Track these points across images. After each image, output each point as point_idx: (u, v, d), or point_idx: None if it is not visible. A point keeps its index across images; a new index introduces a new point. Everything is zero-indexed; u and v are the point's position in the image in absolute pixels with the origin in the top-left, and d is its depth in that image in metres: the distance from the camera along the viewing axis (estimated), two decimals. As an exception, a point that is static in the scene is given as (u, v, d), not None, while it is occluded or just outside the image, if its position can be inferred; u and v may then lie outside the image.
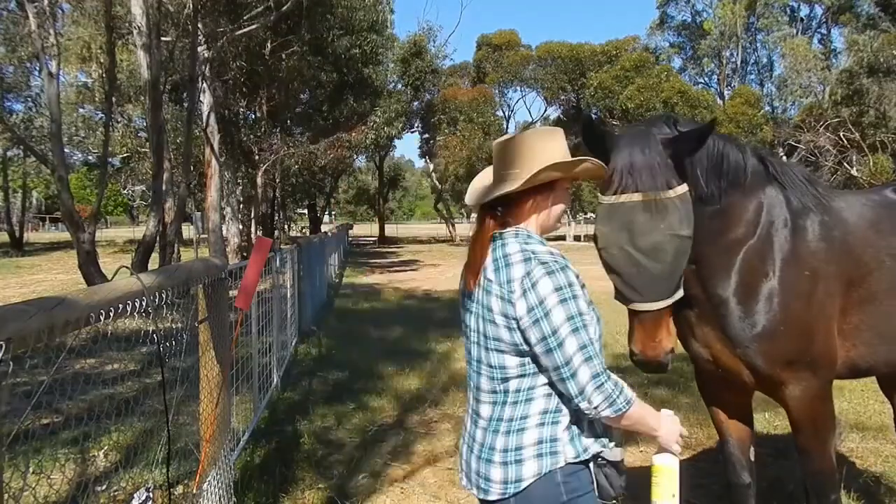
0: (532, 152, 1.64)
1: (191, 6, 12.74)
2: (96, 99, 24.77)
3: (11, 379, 1.23)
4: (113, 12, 13.32)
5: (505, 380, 1.61)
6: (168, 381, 2.05)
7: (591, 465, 1.61)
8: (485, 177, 1.80)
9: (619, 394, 1.52)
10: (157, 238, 11.81)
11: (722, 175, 2.29)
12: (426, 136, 42.02)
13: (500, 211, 1.67)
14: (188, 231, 25.28)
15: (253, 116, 22.75)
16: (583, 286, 1.61)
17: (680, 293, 2.09)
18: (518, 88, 42.22)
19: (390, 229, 52.94)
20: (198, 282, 2.54)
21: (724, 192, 2.30)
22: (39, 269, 21.02)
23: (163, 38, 12.96)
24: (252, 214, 24.54)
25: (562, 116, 43.46)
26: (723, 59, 43.36)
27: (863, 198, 2.73)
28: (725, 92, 41.92)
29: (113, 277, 1.91)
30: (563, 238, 36.19)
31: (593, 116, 2.21)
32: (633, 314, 2.09)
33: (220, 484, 2.76)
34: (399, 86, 35.42)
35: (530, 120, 49.89)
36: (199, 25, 13.51)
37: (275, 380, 5.72)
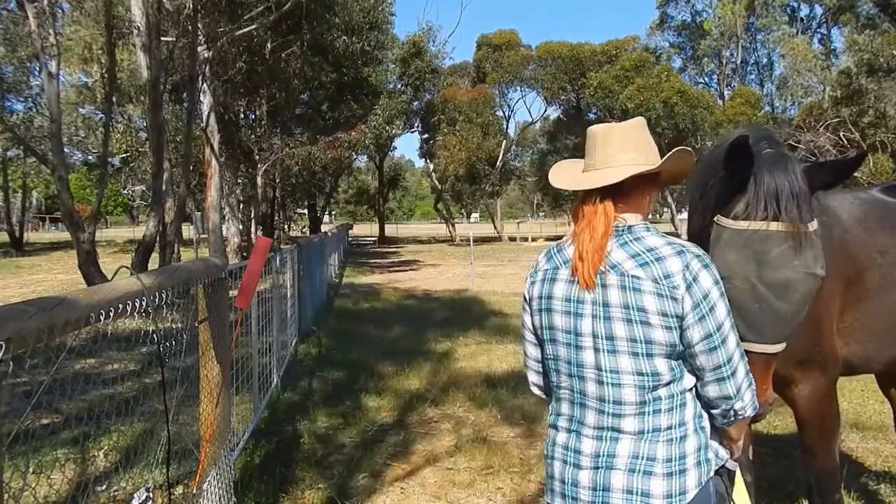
0: (646, 138, 1.60)
1: (191, 6, 12.74)
2: (96, 99, 24.78)
3: (11, 379, 1.23)
4: (113, 12, 13.31)
5: (656, 387, 1.47)
6: (168, 381, 2.05)
7: (721, 476, 1.55)
8: (572, 167, 1.67)
9: (756, 398, 1.51)
10: (157, 238, 11.82)
11: None
12: (426, 136, 42.03)
13: (613, 200, 1.54)
14: (188, 231, 25.28)
15: (253, 116, 22.76)
16: None
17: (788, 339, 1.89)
18: (518, 88, 42.24)
19: (390, 229, 52.96)
20: (198, 282, 2.54)
21: None
22: (39, 269, 21.02)
23: (163, 38, 12.96)
24: (252, 214, 24.54)
25: (562, 116, 43.48)
26: (723, 59, 43.38)
27: (851, 196, 2.76)
28: (725, 92, 41.94)
29: (113, 277, 1.91)
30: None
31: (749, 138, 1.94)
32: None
33: (220, 484, 2.76)
34: (399, 86, 35.44)
35: (530, 120, 49.98)
36: (199, 25, 13.51)
37: (275, 380, 5.72)
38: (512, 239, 40.05)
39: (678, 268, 1.44)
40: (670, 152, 1.56)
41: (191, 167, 15.21)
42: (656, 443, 1.46)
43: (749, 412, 1.49)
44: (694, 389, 1.52)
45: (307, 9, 17.52)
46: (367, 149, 28.82)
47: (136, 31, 12.62)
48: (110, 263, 14.10)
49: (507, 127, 44.24)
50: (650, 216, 1.67)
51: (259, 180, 21.28)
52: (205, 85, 15.07)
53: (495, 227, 44.16)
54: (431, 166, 43.29)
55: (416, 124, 41.47)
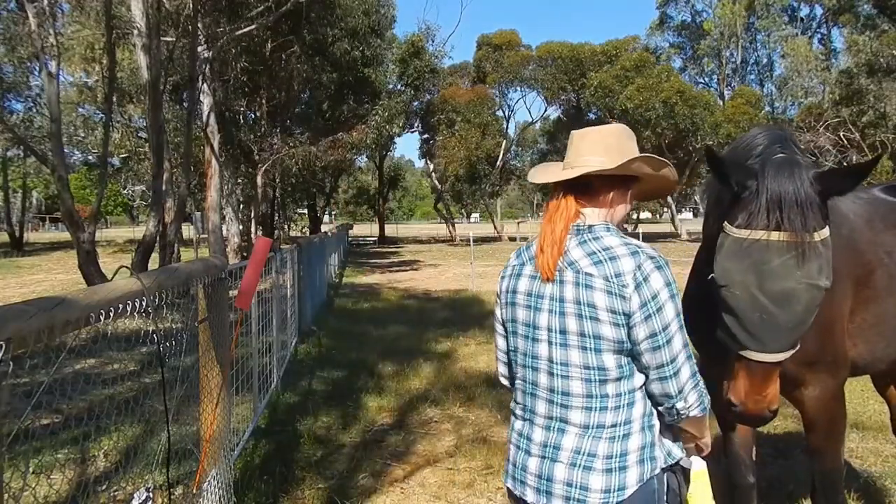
0: (620, 143, 1.63)
1: (191, 6, 12.74)
2: (97, 99, 24.79)
3: (11, 379, 1.23)
4: (113, 12, 13.31)
5: (604, 382, 1.52)
6: (168, 381, 2.05)
7: (667, 472, 1.57)
8: (552, 166, 1.74)
9: (705, 393, 1.54)
10: (157, 238, 11.81)
11: None
12: (426, 136, 42.03)
13: (578, 197, 1.61)
14: (188, 231, 25.28)
15: (253, 116, 22.77)
16: None
17: (797, 346, 1.90)
18: (518, 88, 42.24)
19: (390, 229, 52.96)
20: (198, 282, 2.54)
21: None
22: (39, 269, 21.03)
23: (163, 38, 12.96)
24: (252, 214, 24.56)
25: (562, 116, 43.48)
26: (723, 59, 43.39)
27: (853, 196, 2.75)
28: (725, 92, 41.95)
29: (113, 277, 1.91)
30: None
31: (713, 148, 1.94)
32: (740, 361, 1.90)
33: (220, 484, 2.76)
34: (399, 86, 35.44)
35: (530, 120, 50.01)
36: (199, 25, 13.50)
37: (275, 380, 5.72)
38: (512, 239, 40.04)
39: (630, 267, 1.48)
40: (632, 157, 1.58)
41: (191, 167, 15.21)
42: (599, 439, 1.52)
43: (694, 412, 1.52)
44: (643, 403, 1.55)
45: (307, 9, 17.53)
46: (368, 149, 28.81)
47: (136, 31, 12.63)
48: (110, 263, 14.10)
49: (507, 127, 44.27)
50: (629, 217, 1.73)
51: (259, 180, 21.28)
52: (205, 85, 15.07)
53: (495, 227, 44.16)
54: (431, 166, 43.28)
55: (415, 124, 41.46)
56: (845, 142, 34.22)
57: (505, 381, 1.82)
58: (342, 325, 9.50)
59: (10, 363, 1.20)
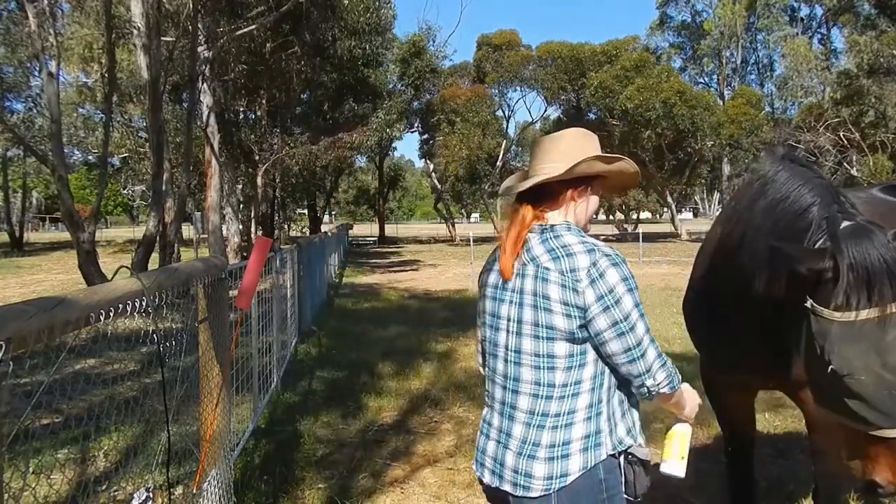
0: (572, 147, 1.71)
1: (191, 6, 12.74)
2: (96, 99, 24.79)
3: (11, 379, 1.23)
4: (113, 12, 13.31)
5: (552, 369, 1.61)
6: (168, 381, 2.05)
7: (623, 460, 1.63)
8: (520, 175, 1.84)
9: (674, 372, 1.65)
10: (157, 238, 11.82)
11: None
12: (426, 136, 42.02)
13: (538, 203, 1.72)
14: (188, 231, 25.28)
15: (253, 116, 22.76)
16: None
17: None
18: (518, 88, 42.23)
19: (390, 229, 52.94)
20: (198, 282, 2.54)
21: None
22: (39, 269, 21.03)
23: (163, 38, 12.96)
24: (252, 214, 24.54)
25: (562, 116, 43.46)
26: (723, 60, 43.39)
27: (851, 196, 2.76)
28: (725, 92, 41.94)
29: (113, 277, 1.91)
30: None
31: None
32: (875, 441, 1.80)
33: (220, 484, 2.76)
34: (399, 86, 35.44)
35: (530, 120, 49.97)
36: (199, 25, 13.50)
37: (275, 380, 5.72)
38: (512, 239, 39.98)
39: (585, 264, 1.58)
40: (579, 161, 1.67)
41: (191, 167, 15.21)
42: (542, 428, 1.61)
43: (664, 389, 1.62)
44: (594, 381, 1.63)
45: (307, 9, 17.52)
46: (370, 150, 28.81)
47: (136, 31, 12.62)
48: (110, 263, 14.10)
49: (507, 127, 44.27)
50: (597, 215, 1.91)
51: (259, 180, 21.28)
52: (205, 85, 15.06)
53: (495, 228, 44.09)
54: (431, 166, 43.27)
55: (415, 124, 41.46)
56: (845, 142, 34.21)
57: (482, 370, 1.93)
58: (342, 325, 9.50)
59: (10, 363, 1.20)
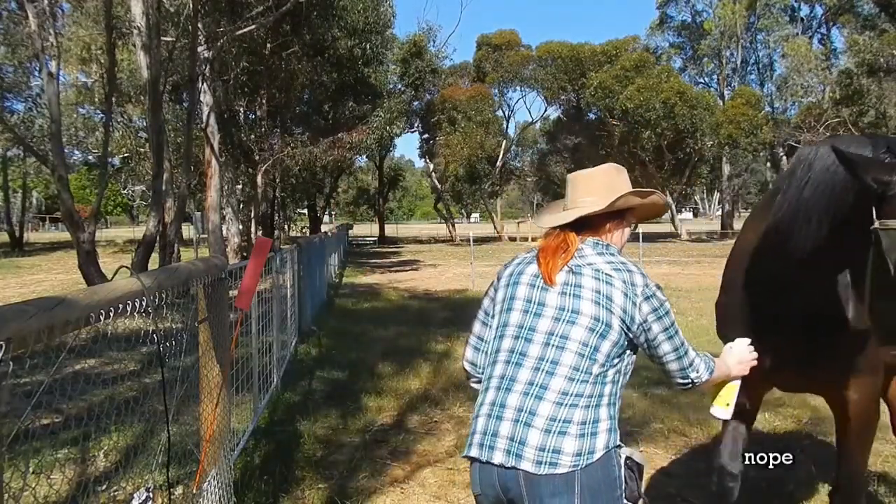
0: (609, 183, 1.91)
1: (191, 6, 12.74)
2: (96, 99, 24.79)
3: (11, 379, 1.23)
4: (113, 12, 13.31)
5: (593, 361, 1.72)
6: (168, 381, 2.05)
7: (623, 465, 1.70)
8: (556, 206, 2.03)
9: (708, 360, 1.91)
10: (157, 238, 11.82)
11: None
12: (426, 135, 42.03)
13: (578, 231, 1.88)
14: (188, 231, 25.27)
15: (253, 116, 22.77)
16: None
17: None
18: (518, 88, 42.25)
19: (390, 229, 52.96)
20: (198, 282, 2.54)
21: None
22: (39, 269, 21.04)
23: (163, 38, 12.96)
24: (252, 214, 24.54)
25: (562, 116, 43.48)
26: (723, 59, 43.37)
27: None
28: (725, 92, 41.92)
29: (113, 277, 1.91)
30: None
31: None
32: None
33: (220, 484, 2.76)
34: (399, 86, 35.45)
35: (530, 120, 49.98)
36: (199, 25, 13.50)
37: (275, 380, 5.72)
38: (512, 239, 40.05)
39: (641, 282, 1.79)
40: (619, 195, 1.85)
41: (191, 167, 15.22)
42: (575, 407, 1.68)
43: (705, 377, 1.89)
44: (616, 375, 1.77)
45: (307, 9, 17.53)
46: (370, 150, 28.82)
47: (136, 31, 12.63)
48: (110, 263, 14.10)
49: (507, 127, 44.28)
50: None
51: (259, 180, 21.28)
52: (205, 85, 15.07)
53: (495, 227, 44.15)
54: (431, 166, 43.28)
55: (416, 124, 41.47)
56: (845, 142, 34.11)
57: (468, 367, 2.01)
58: (342, 325, 9.50)
59: (10, 363, 1.20)
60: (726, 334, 2.63)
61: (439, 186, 42.49)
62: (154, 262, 12.26)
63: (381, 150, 36.98)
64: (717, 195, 57.54)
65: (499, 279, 1.96)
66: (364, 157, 38.68)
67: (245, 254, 18.35)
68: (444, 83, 39.46)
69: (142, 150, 23.64)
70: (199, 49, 13.83)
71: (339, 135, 21.98)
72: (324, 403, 5.43)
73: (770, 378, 2.56)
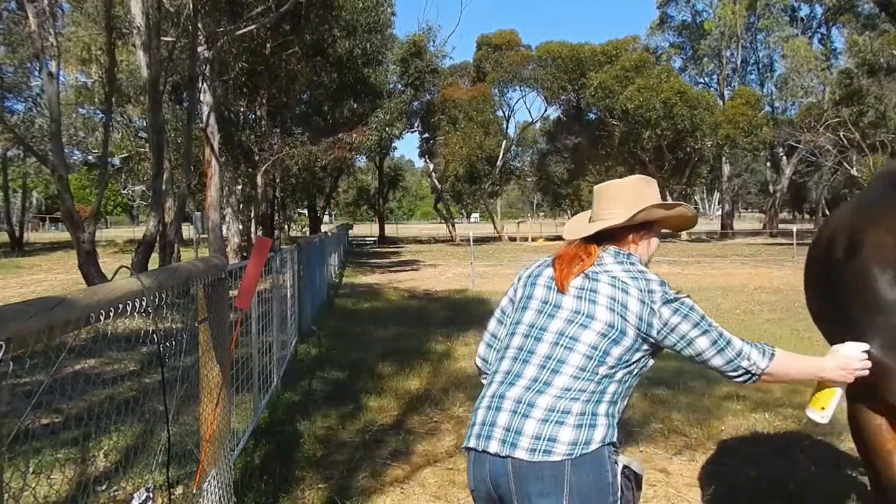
0: (635, 195, 1.89)
1: (191, 6, 12.74)
2: (96, 99, 24.79)
3: (11, 379, 1.23)
4: (113, 12, 13.31)
5: (601, 364, 1.71)
6: (168, 381, 2.05)
7: (620, 473, 1.68)
8: (582, 218, 2.02)
9: (764, 345, 1.80)
10: (157, 238, 11.82)
11: None
12: (426, 135, 42.03)
13: (602, 243, 1.88)
14: (188, 231, 25.27)
15: (253, 116, 22.77)
16: None
17: None
18: (518, 88, 42.24)
19: (390, 229, 52.96)
20: (198, 282, 2.53)
21: None
22: (39, 269, 21.04)
23: (163, 38, 12.96)
24: (252, 214, 24.54)
25: (562, 116, 43.48)
26: (723, 60, 43.37)
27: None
28: (725, 92, 41.93)
29: (113, 277, 1.91)
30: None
31: None
32: None
33: (220, 484, 2.76)
34: (399, 86, 35.44)
35: (530, 120, 49.98)
36: (199, 25, 13.50)
37: (275, 380, 5.72)
38: (512, 239, 40.07)
39: (658, 290, 1.76)
40: (640, 208, 1.84)
41: (191, 167, 15.21)
42: (576, 400, 1.67)
43: (763, 364, 1.75)
44: (626, 375, 1.74)
45: (307, 9, 17.52)
46: (370, 151, 28.80)
47: (136, 31, 12.63)
48: (110, 263, 14.10)
49: (507, 127, 44.27)
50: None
51: (259, 180, 21.27)
52: (205, 85, 15.07)
53: (495, 227, 44.16)
54: (431, 166, 43.29)
55: (416, 124, 41.46)
56: (845, 142, 34.22)
57: (479, 362, 2.02)
58: (342, 325, 9.50)
59: (10, 363, 1.20)
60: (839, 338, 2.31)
61: (439, 186, 42.49)
62: (154, 262, 12.26)
63: (382, 150, 36.98)
64: (716, 195, 57.55)
65: (519, 280, 1.97)
66: (364, 157, 38.68)
67: (245, 253, 18.36)
68: (444, 83, 39.46)
69: (142, 150, 23.64)
70: (199, 49, 13.83)
71: (339, 135, 21.96)
72: (324, 403, 5.43)
73: None
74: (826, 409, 1.93)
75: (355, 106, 25.04)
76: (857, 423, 2.27)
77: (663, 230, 2.02)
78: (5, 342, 1.17)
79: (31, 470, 3.52)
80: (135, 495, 1.92)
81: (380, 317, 10.44)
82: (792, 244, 17.41)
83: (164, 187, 12.77)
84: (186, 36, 13.33)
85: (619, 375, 1.73)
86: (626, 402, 1.79)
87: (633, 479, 1.70)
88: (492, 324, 1.99)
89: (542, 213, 62.66)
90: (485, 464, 1.69)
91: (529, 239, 39.21)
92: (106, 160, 15.62)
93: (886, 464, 2.18)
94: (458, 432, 4.76)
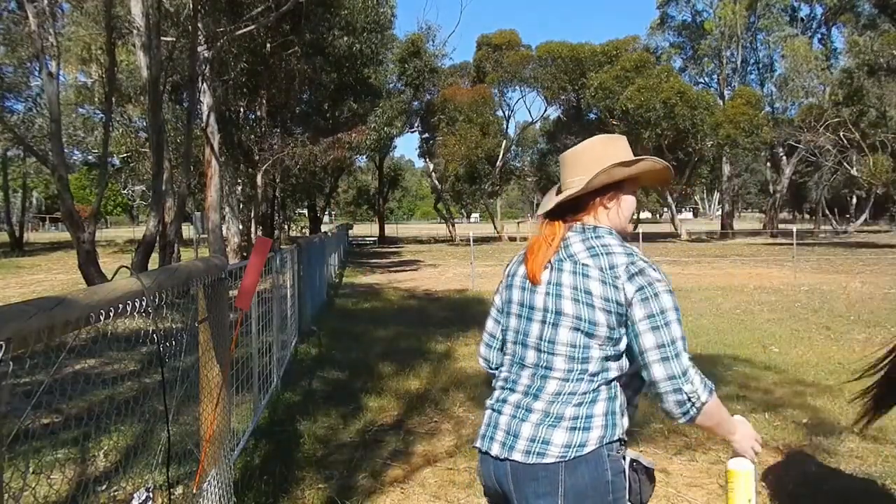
0: (592, 158, 1.73)
1: (191, 6, 12.74)
2: (96, 99, 24.78)
3: (11, 379, 1.23)
4: (113, 12, 13.31)
5: (585, 361, 1.64)
6: (168, 382, 2.05)
7: (628, 468, 1.65)
8: (551, 192, 1.89)
9: (708, 382, 1.59)
10: (157, 238, 11.82)
11: None
12: (426, 135, 42.04)
13: (573, 214, 1.76)
14: (188, 231, 25.27)
15: (253, 116, 22.77)
16: None
17: None
18: (518, 88, 42.23)
19: (390, 229, 52.97)
20: (198, 282, 2.53)
21: None
22: (39, 269, 21.04)
23: (163, 38, 12.96)
24: (252, 214, 24.54)
25: (562, 116, 43.47)
26: (723, 60, 43.37)
27: None
28: (726, 92, 41.93)
29: (113, 277, 1.91)
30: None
31: None
32: None
33: (220, 484, 2.76)
34: (398, 85, 35.44)
35: (530, 120, 49.96)
36: (199, 25, 13.50)
37: (275, 380, 5.72)
38: (512, 239, 40.05)
39: (623, 261, 1.62)
40: (595, 174, 1.69)
41: (191, 167, 15.21)
42: (568, 404, 1.63)
43: (704, 396, 1.55)
44: (620, 371, 1.65)
45: (307, 9, 17.52)
46: (369, 150, 28.81)
47: (136, 31, 12.63)
48: (110, 263, 14.10)
49: (507, 127, 44.26)
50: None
51: (259, 180, 21.27)
52: (205, 85, 15.06)
53: (495, 227, 44.17)
54: (431, 166, 43.29)
55: (416, 124, 41.47)
56: (845, 142, 34.21)
57: (483, 363, 1.98)
58: (342, 325, 9.50)
59: (10, 363, 1.20)
60: None
61: (439, 186, 42.49)
62: (154, 262, 12.26)
63: (381, 149, 36.99)
64: (717, 195, 57.55)
65: (503, 278, 1.92)
66: (364, 157, 38.68)
67: (245, 254, 18.36)
68: (444, 83, 39.47)
69: (142, 150, 23.64)
70: (199, 49, 13.82)
71: (339, 135, 21.96)
72: (324, 403, 5.43)
73: None
74: (752, 499, 1.66)
75: (355, 106, 25.05)
76: None
77: (643, 187, 1.85)
78: (5, 342, 1.17)
79: (31, 470, 3.52)
80: (135, 495, 1.92)
81: (380, 317, 10.44)
82: (792, 244, 17.40)
83: (164, 187, 12.77)
84: (186, 36, 13.33)
85: (611, 371, 1.65)
86: (633, 394, 1.71)
87: (644, 473, 1.67)
88: (489, 324, 1.95)
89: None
90: (489, 465, 1.72)
91: (529, 239, 39.15)
92: (106, 160, 15.61)
93: None
94: (458, 432, 4.77)
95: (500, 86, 40.79)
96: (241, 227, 21.32)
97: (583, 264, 1.65)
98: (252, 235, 23.04)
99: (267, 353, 5.46)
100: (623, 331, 1.62)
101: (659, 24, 46.03)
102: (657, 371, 1.56)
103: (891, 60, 29.12)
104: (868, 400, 3.06)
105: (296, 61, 20.35)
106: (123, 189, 36.73)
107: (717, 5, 43.16)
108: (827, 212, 47.34)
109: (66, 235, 26.97)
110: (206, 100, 15.48)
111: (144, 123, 21.80)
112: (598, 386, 1.64)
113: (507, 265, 1.91)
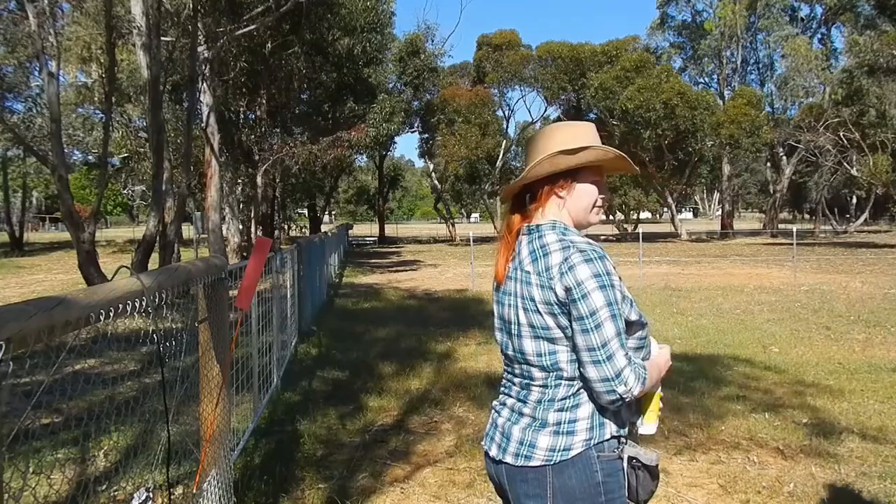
0: (541, 146, 1.68)
1: (191, 6, 12.74)
2: (96, 99, 24.77)
3: (11, 379, 1.23)
4: (113, 12, 13.31)
5: (556, 367, 1.61)
6: (168, 381, 2.05)
7: (626, 465, 1.64)
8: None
9: (642, 371, 1.57)
10: (157, 238, 11.82)
11: None
12: (426, 135, 42.05)
13: (530, 203, 1.72)
14: (188, 231, 25.28)
15: (253, 116, 22.78)
16: (619, 279, 1.60)
17: None
18: (518, 88, 42.25)
19: (390, 229, 52.97)
20: (198, 282, 2.53)
21: None
22: (39, 269, 21.04)
23: (163, 38, 12.96)
24: (252, 214, 24.55)
25: (562, 116, 43.46)
26: (723, 59, 43.37)
27: None
28: (726, 92, 41.93)
29: (113, 277, 1.91)
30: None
31: None
32: None
33: (220, 484, 2.76)
34: (398, 85, 35.45)
35: (530, 120, 49.96)
36: (199, 25, 13.50)
37: (275, 380, 5.72)
38: (512, 239, 39.97)
39: (557, 261, 1.57)
40: (533, 164, 1.65)
41: (191, 167, 15.21)
42: (549, 410, 1.63)
43: (636, 391, 1.54)
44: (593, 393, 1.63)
45: (307, 9, 17.52)
46: (368, 148, 28.78)
47: (136, 31, 12.63)
48: (110, 263, 14.10)
49: (507, 127, 44.28)
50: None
51: (259, 180, 21.28)
52: (205, 85, 15.07)
53: (495, 227, 44.12)
54: (431, 166, 43.30)
55: (415, 124, 41.49)
56: (845, 142, 34.22)
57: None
58: (342, 325, 9.50)
59: (10, 363, 1.20)
60: None
61: (439, 186, 42.51)
62: (154, 262, 12.26)
63: (380, 147, 36.96)
64: (717, 195, 57.54)
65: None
66: (364, 156, 38.70)
67: (245, 254, 18.37)
68: (444, 83, 39.47)
69: (142, 150, 23.62)
70: (199, 49, 13.83)
71: (339, 133, 21.96)
72: (324, 403, 5.44)
73: None
74: (655, 412, 1.74)
75: (355, 106, 25.06)
76: None
77: (612, 175, 1.79)
78: (5, 342, 1.17)
79: (31, 470, 3.52)
80: (135, 495, 1.92)
81: (380, 317, 10.44)
82: (792, 244, 17.39)
83: (164, 187, 12.77)
84: (186, 36, 13.33)
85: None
86: None
87: (644, 469, 1.65)
88: (497, 334, 1.88)
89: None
90: (490, 464, 1.79)
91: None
92: (106, 160, 15.60)
93: None
94: (458, 432, 4.77)
95: (500, 86, 40.80)
96: (241, 227, 21.33)
97: (525, 271, 1.64)
98: (252, 235, 23.06)
99: (267, 353, 5.46)
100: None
101: (659, 24, 46.02)
102: (590, 372, 1.54)
103: (891, 60, 29.11)
104: None
105: (296, 61, 20.36)
106: (123, 189, 36.73)
107: (717, 5, 43.15)
108: (827, 212, 47.32)
109: (66, 235, 26.98)
110: (206, 100, 15.49)
111: (144, 123, 21.80)
112: (578, 390, 1.61)
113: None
